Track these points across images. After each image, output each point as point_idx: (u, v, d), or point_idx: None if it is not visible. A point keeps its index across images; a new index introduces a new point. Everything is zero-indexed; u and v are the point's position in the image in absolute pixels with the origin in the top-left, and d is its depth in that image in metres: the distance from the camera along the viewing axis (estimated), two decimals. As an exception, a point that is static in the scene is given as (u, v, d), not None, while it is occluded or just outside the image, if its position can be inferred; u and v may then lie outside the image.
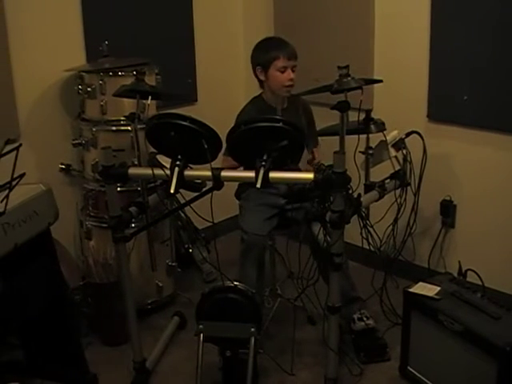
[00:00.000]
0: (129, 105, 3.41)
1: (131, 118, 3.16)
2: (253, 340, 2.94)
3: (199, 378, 2.94)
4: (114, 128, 3.58)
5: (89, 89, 3.56)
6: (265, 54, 3.47)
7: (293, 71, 3.45)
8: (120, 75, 3.53)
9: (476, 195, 3.81)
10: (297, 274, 3.16)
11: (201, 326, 2.99)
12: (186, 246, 4.25)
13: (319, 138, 3.69)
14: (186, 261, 4.23)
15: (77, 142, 3.69)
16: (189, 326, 3.69)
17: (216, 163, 2.76)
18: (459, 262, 3.37)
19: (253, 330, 2.94)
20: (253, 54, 3.55)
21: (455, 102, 3.72)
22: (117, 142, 3.47)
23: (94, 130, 3.58)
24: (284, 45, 3.48)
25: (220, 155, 2.84)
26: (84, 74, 3.62)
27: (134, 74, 3.22)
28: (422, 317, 3.08)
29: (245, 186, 3.55)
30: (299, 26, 4.35)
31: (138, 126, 3.13)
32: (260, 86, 3.58)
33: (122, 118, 3.50)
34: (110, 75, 3.53)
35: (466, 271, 3.29)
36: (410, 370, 3.21)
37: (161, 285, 3.84)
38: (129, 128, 3.47)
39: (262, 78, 3.50)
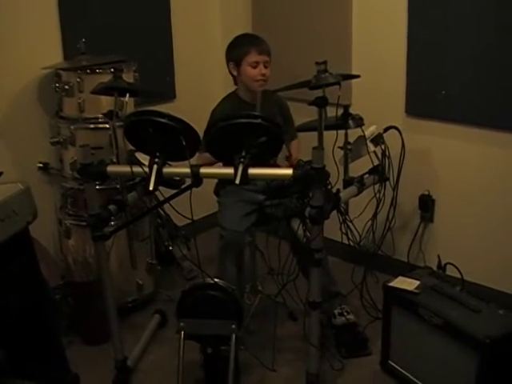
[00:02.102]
0: (107, 102, 3.38)
1: (109, 116, 3.15)
2: (234, 337, 2.94)
3: (181, 376, 2.94)
4: (92, 126, 3.56)
5: (66, 86, 3.54)
6: (237, 49, 3.50)
7: (265, 67, 3.46)
8: (98, 73, 3.51)
9: (454, 189, 3.84)
10: (277, 270, 3.16)
11: (182, 324, 2.98)
12: (166, 243, 4.24)
13: (299, 134, 3.70)
14: (166, 258, 4.22)
15: (55, 140, 3.66)
16: (170, 324, 3.68)
17: (195, 160, 2.75)
18: (438, 255, 3.39)
19: (234, 326, 2.93)
20: (226, 51, 3.57)
21: (433, 97, 3.73)
22: (95, 139, 3.44)
23: (71, 127, 3.56)
24: (256, 40, 3.51)
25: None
26: (61, 71, 3.59)
27: (111, 72, 3.22)
28: (402, 311, 3.10)
29: (223, 182, 3.55)
30: (277, 23, 4.35)
31: (116, 124, 3.13)
32: (234, 83, 3.59)
33: (100, 116, 3.48)
34: (88, 73, 3.51)
35: (446, 265, 3.31)
36: (391, 363, 3.23)
37: (141, 283, 3.83)
38: (107, 126, 3.44)
39: (235, 73, 3.52)
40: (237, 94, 3.60)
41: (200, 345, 3.03)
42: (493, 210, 3.69)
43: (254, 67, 3.45)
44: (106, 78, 3.27)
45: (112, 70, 3.20)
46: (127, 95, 3.15)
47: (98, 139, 3.48)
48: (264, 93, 3.41)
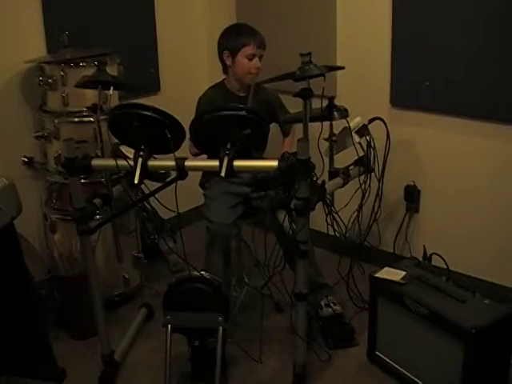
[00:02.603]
0: (91, 96, 3.37)
1: (93, 109, 3.15)
2: (221, 329, 2.94)
3: (168, 369, 2.94)
4: (76, 119, 3.54)
5: (50, 80, 3.52)
6: (235, 39, 3.47)
7: (260, 60, 3.46)
8: (81, 66, 3.49)
9: (439, 180, 3.85)
10: (263, 262, 3.16)
11: (168, 317, 2.98)
12: (152, 236, 4.24)
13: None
14: (152, 252, 4.22)
15: (39, 134, 3.63)
16: (156, 317, 3.68)
17: (179, 152, 2.74)
18: (424, 246, 3.40)
19: (220, 319, 2.94)
20: (221, 38, 3.54)
21: (418, 88, 3.74)
22: (79, 133, 3.42)
23: (56, 121, 3.53)
24: (254, 33, 3.50)
25: (183, 146, 2.83)
26: (45, 65, 3.57)
27: (95, 65, 3.20)
28: (389, 301, 3.11)
29: (209, 175, 3.54)
30: (261, 15, 4.34)
31: (101, 117, 3.12)
32: (223, 72, 3.57)
33: (85, 110, 3.46)
34: (71, 66, 3.49)
35: (431, 255, 3.32)
36: (378, 354, 3.25)
37: (127, 276, 3.82)
38: (91, 119, 3.43)
39: (229, 62, 3.50)
40: (224, 84, 3.59)
41: (187, 338, 3.02)
42: (478, 200, 3.71)
43: (250, 59, 3.45)
44: (90, 72, 3.25)
45: (96, 63, 3.17)
46: (111, 88, 3.14)
47: (82, 133, 3.47)
48: (256, 87, 3.41)
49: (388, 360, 3.20)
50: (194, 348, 3.02)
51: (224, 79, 3.60)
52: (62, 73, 3.47)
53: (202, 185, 3.65)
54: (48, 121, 3.59)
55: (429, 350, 2.94)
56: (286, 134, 3.80)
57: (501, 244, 3.66)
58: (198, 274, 3.02)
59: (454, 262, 3.35)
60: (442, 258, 3.28)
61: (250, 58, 3.45)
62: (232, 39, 3.49)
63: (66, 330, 3.59)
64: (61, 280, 3.61)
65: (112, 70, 3.48)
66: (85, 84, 3.17)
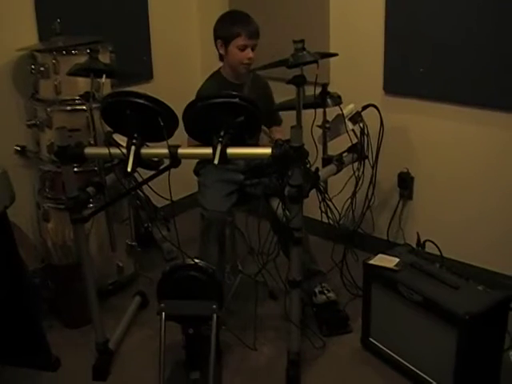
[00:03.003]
0: (83, 84, 3.36)
1: (86, 98, 3.14)
2: (215, 317, 2.93)
3: (162, 357, 2.93)
4: (68, 108, 3.53)
5: (42, 68, 3.50)
6: (227, 28, 3.43)
7: (252, 50, 3.43)
8: (73, 54, 3.48)
9: (433, 167, 3.85)
10: (257, 249, 3.16)
11: (162, 305, 2.98)
12: (146, 225, 4.23)
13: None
14: (145, 240, 4.21)
15: (31, 122, 3.62)
16: (151, 306, 3.68)
17: (172, 140, 2.73)
18: (417, 233, 3.41)
19: (214, 306, 2.93)
20: (216, 26, 3.51)
21: (411, 75, 3.73)
22: (72, 121, 3.42)
23: (48, 110, 3.52)
24: (247, 22, 3.44)
25: (177, 132, 2.81)
26: (36, 53, 3.55)
27: (87, 53, 3.19)
28: (382, 288, 3.12)
29: (203, 162, 3.54)
30: (255, 1, 4.31)
31: (93, 105, 3.11)
32: (220, 59, 3.56)
33: (77, 98, 3.44)
34: (64, 54, 3.47)
35: (425, 242, 3.33)
36: (372, 341, 3.26)
37: (121, 265, 3.82)
38: (84, 107, 3.41)
39: (222, 51, 3.47)
40: (221, 73, 3.57)
41: (181, 326, 3.03)
42: (471, 187, 3.71)
43: (242, 50, 3.42)
44: (82, 59, 3.25)
45: (88, 50, 3.16)
46: (104, 76, 3.13)
47: (74, 121, 3.46)
48: (252, 75, 3.40)
49: (382, 346, 3.21)
50: (188, 336, 3.02)
51: (220, 68, 3.59)
52: (54, 61, 3.46)
53: (196, 172, 3.64)
54: (40, 109, 3.57)
55: (422, 336, 2.95)
56: (277, 122, 3.78)
57: (494, 231, 3.67)
58: (191, 261, 3.02)
59: (447, 249, 3.36)
60: (435, 244, 3.29)
61: (242, 48, 3.41)
62: (225, 28, 3.45)
63: (60, 318, 3.59)
64: (54, 269, 3.61)
65: (104, 57, 3.47)
66: (77, 72, 3.16)
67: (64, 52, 3.47)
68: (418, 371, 3.02)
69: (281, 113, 3.76)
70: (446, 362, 2.82)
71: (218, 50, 3.51)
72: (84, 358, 3.26)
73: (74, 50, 3.48)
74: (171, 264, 3.08)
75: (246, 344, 3.35)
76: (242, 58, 3.42)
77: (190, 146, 3.19)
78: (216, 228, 3.40)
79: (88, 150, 2.88)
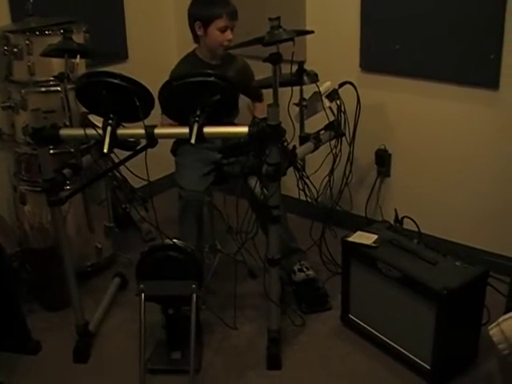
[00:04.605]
0: (57, 65, 3.32)
1: (60, 78, 3.10)
2: (194, 296, 2.94)
3: (143, 338, 2.94)
4: (43, 89, 3.49)
5: (15, 49, 3.45)
6: (206, 10, 3.40)
7: (231, 31, 3.42)
8: (47, 34, 3.43)
9: (410, 143, 3.86)
10: (235, 228, 3.16)
11: (141, 286, 2.97)
12: (124, 206, 4.21)
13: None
14: (124, 221, 4.19)
15: (6, 104, 3.58)
16: (130, 287, 3.68)
17: (149, 121, 2.72)
18: (395, 209, 3.42)
19: (194, 286, 2.93)
20: (192, 8, 3.48)
21: (387, 52, 3.73)
22: (47, 103, 3.39)
23: (22, 91, 3.48)
24: (227, 3, 3.44)
25: (153, 113, 2.80)
26: (9, 34, 3.49)
27: (61, 33, 3.15)
28: (361, 265, 3.13)
29: (180, 142, 3.52)
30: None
31: (68, 86, 3.08)
32: (194, 41, 3.53)
33: (51, 79, 3.40)
34: (37, 35, 3.43)
35: (403, 218, 3.34)
36: (352, 317, 3.28)
37: (100, 246, 3.81)
38: (58, 88, 3.39)
39: (200, 33, 3.44)
40: (196, 54, 3.54)
41: (161, 306, 3.03)
42: (447, 163, 3.73)
43: (223, 32, 3.40)
44: (56, 40, 3.20)
45: (62, 31, 3.12)
46: (78, 56, 3.09)
47: (49, 102, 3.42)
48: (227, 55, 3.38)
49: (361, 323, 3.23)
50: (168, 316, 3.02)
51: (195, 49, 3.56)
52: (27, 42, 3.41)
53: (173, 152, 3.63)
54: (14, 91, 3.53)
55: (401, 312, 2.97)
56: (258, 99, 3.77)
57: (471, 206, 3.70)
58: (170, 242, 3.01)
59: (425, 225, 3.39)
60: (413, 221, 3.31)
61: (223, 30, 3.40)
62: (204, 10, 3.41)
63: (39, 302, 3.57)
64: (32, 252, 3.59)
65: (78, 37, 3.44)
66: (51, 53, 3.12)
67: (37, 33, 3.43)
68: (397, 346, 3.04)
69: (262, 92, 3.74)
70: (424, 337, 2.84)
71: (194, 32, 3.48)
72: (64, 341, 3.25)
73: (48, 30, 3.44)
74: (150, 244, 3.08)
75: (227, 323, 3.36)
76: (223, 40, 3.41)
77: (163, 124, 3.17)
78: (194, 208, 3.40)
79: (63, 132, 2.85)
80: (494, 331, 2.16)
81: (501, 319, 2.17)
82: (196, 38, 3.51)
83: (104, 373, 3.11)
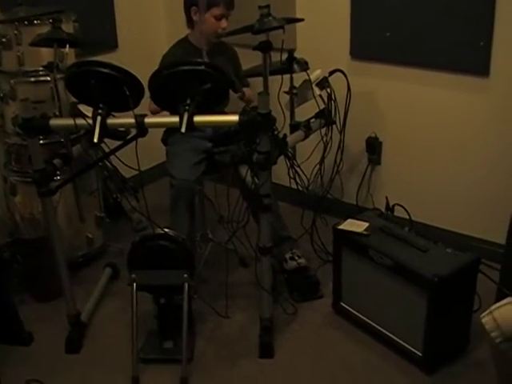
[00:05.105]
0: (47, 54, 3.30)
1: (50, 68, 3.10)
2: (186, 286, 2.94)
3: (135, 327, 2.94)
4: (32, 79, 3.47)
5: (4, 39, 3.43)
6: None
7: (227, 19, 3.42)
8: (36, 24, 3.41)
9: (400, 131, 3.86)
10: (227, 217, 3.16)
11: (133, 276, 2.98)
12: (115, 195, 4.19)
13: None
14: (115, 211, 4.17)
15: (-5, 95, 3.58)
16: (122, 277, 3.67)
17: (139, 110, 2.71)
18: (386, 197, 3.42)
19: (185, 275, 2.94)
20: None
21: (378, 39, 3.73)
22: (36, 93, 3.38)
23: (11, 82, 3.46)
24: None
25: (143, 102, 2.79)
26: (-2, 24, 3.49)
27: (50, 23, 3.14)
28: (353, 253, 3.14)
29: (171, 131, 3.52)
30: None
31: (58, 76, 3.08)
32: (188, 26, 3.53)
33: (41, 69, 3.39)
34: (26, 24, 3.40)
35: (394, 206, 3.35)
36: (343, 305, 3.28)
37: (91, 236, 3.80)
38: (48, 78, 3.38)
39: (196, 18, 3.45)
40: (188, 39, 3.54)
41: (153, 296, 3.03)
42: (438, 150, 3.73)
43: (219, 19, 3.41)
44: (45, 30, 3.19)
45: (51, 20, 3.11)
46: (67, 46, 3.10)
47: (39, 93, 3.41)
48: (218, 42, 3.37)
49: (353, 311, 3.24)
50: (159, 305, 3.03)
51: (188, 34, 3.56)
52: (16, 31, 3.39)
53: (164, 141, 3.62)
54: (4, 81, 3.51)
55: (393, 299, 2.97)
56: (245, 85, 3.77)
57: (462, 193, 3.70)
58: (161, 231, 3.01)
59: (416, 213, 3.39)
60: (404, 208, 3.31)
61: (219, 18, 3.42)
62: None
63: (31, 292, 3.57)
64: (23, 243, 3.58)
65: (67, 27, 3.41)
66: (40, 42, 3.11)
67: (26, 22, 3.40)
68: (389, 334, 3.05)
69: (248, 79, 3.74)
70: (416, 324, 2.85)
71: (189, 17, 3.48)
72: (56, 332, 3.24)
73: (37, 20, 3.41)
74: (141, 234, 3.08)
75: (219, 312, 3.36)
76: (217, 27, 3.42)
77: (150, 108, 3.17)
78: (185, 197, 3.39)
79: (53, 122, 2.84)
80: (486, 319, 2.16)
81: (493, 307, 2.17)
82: (190, 23, 3.51)
83: (96, 363, 3.10)
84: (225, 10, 3.42)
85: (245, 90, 3.70)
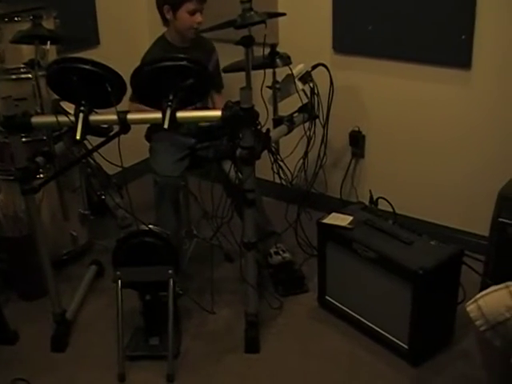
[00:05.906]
0: (28, 51, 3.27)
1: (31, 65, 3.08)
2: (171, 282, 2.94)
3: (120, 324, 2.94)
4: (13, 76, 3.45)
5: (-16, 37, 3.42)
6: None
7: (201, 13, 3.40)
8: (16, 21, 3.38)
9: (383, 125, 3.87)
10: (211, 213, 3.16)
11: (118, 273, 2.97)
12: (98, 193, 4.17)
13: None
14: (99, 208, 4.14)
15: (-24, 93, 3.55)
16: (107, 274, 3.66)
17: (121, 106, 2.70)
18: (370, 190, 3.43)
19: (170, 272, 2.94)
20: None
21: (360, 33, 3.73)
22: (18, 90, 3.35)
23: (-8, 79, 3.45)
24: None
25: (125, 99, 2.78)
26: (-23, 21, 3.46)
27: (30, 19, 3.12)
28: (337, 247, 3.14)
29: (154, 127, 3.50)
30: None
31: (39, 73, 3.06)
32: (164, 25, 3.51)
33: (22, 66, 3.37)
34: (6, 21, 3.38)
35: (377, 199, 3.35)
36: (328, 299, 3.29)
37: (75, 234, 3.79)
38: (29, 75, 3.34)
39: (169, 17, 3.41)
40: (165, 38, 3.52)
41: (138, 292, 3.03)
42: (421, 143, 3.75)
43: (192, 15, 3.38)
44: (26, 26, 3.17)
45: (31, 17, 3.09)
46: (48, 43, 3.08)
47: (20, 90, 3.39)
48: (197, 37, 3.36)
49: (338, 304, 3.25)
50: (145, 302, 3.02)
51: (164, 33, 3.54)
52: (-4, 29, 3.38)
53: (147, 137, 3.61)
54: (-15, 79, 3.50)
55: (378, 292, 2.98)
56: (218, 87, 3.75)
57: (445, 186, 3.72)
58: (146, 228, 3.01)
59: (399, 206, 3.40)
60: (388, 201, 3.32)
61: (192, 13, 3.38)
62: None
63: (16, 291, 3.55)
64: (7, 241, 3.56)
65: (48, 23, 3.39)
66: (21, 39, 3.09)
67: (6, 19, 3.38)
68: (374, 326, 3.06)
69: (230, 74, 3.72)
70: (401, 316, 2.86)
71: (163, 16, 3.45)
72: (42, 330, 3.23)
73: (17, 16, 3.39)
74: (126, 231, 3.07)
75: (204, 308, 3.36)
76: (192, 23, 3.39)
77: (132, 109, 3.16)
78: (170, 193, 3.39)
79: (35, 119, 2.82)
80: (471, 307, 2.18)
81: (478, 296, 2.19)
82: (165, 22, 3.49)
83: (82, 361, 3.09)
84: (198, 5, 3.37)
85: (217, 98, 3.69)
